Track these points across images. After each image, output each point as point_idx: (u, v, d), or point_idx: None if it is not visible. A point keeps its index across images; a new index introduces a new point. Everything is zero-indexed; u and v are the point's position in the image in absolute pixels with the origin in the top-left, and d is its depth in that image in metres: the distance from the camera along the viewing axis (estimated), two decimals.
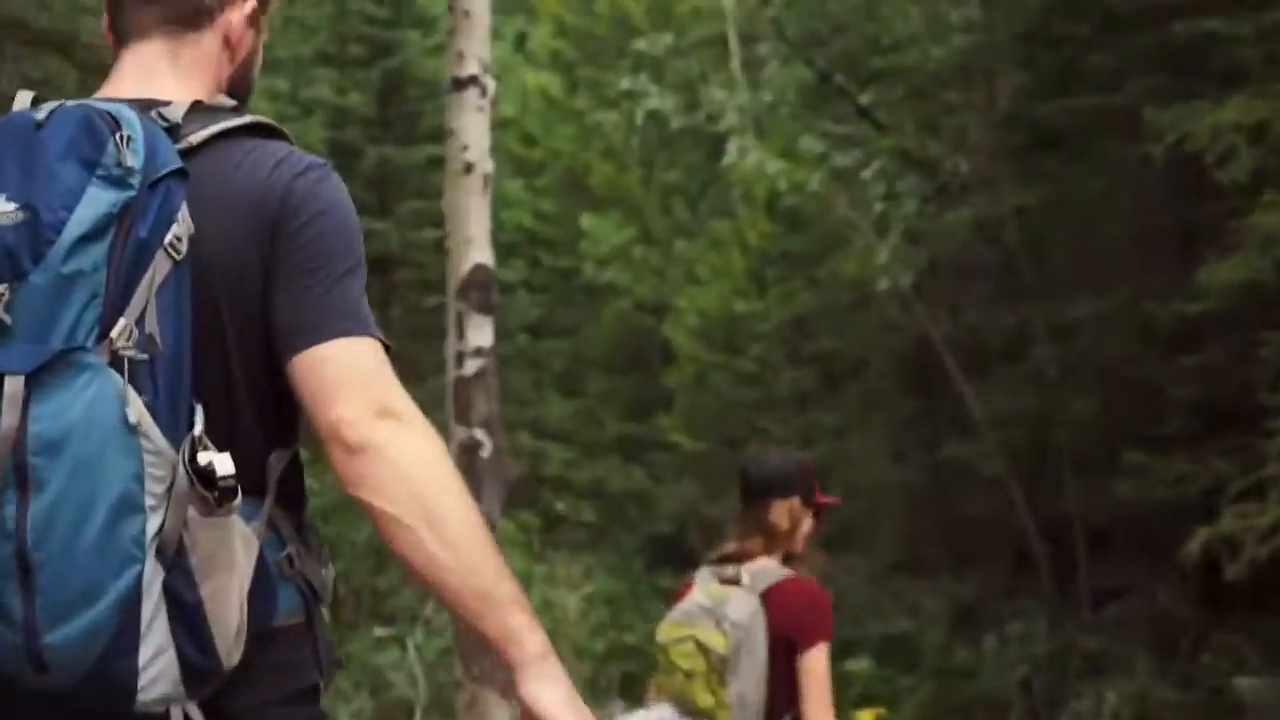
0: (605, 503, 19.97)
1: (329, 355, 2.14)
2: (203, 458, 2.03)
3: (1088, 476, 14.92)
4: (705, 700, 4.49)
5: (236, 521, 2.10)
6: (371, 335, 2.18)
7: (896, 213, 15.30)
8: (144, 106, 2.20)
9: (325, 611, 2.34)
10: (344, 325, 2.15)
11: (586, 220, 22.60)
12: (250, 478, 2.15)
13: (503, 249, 14.51)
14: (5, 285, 2.04)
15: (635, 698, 10.40)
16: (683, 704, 4.52)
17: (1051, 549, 15.26)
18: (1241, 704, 13.58)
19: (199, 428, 2.05)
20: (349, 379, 2.13)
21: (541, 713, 2.09)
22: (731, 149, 17.10)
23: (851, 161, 15.60)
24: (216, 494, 2.03)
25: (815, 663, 4.55)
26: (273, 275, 2.17)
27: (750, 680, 4.51)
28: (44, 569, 1.97)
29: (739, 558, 4.68)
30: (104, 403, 1.99)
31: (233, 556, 2.08)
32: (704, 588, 4.65)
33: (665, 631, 4.64)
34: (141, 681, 2.01)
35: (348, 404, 2.11)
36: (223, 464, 2.04)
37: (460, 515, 2.12)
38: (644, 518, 21.11)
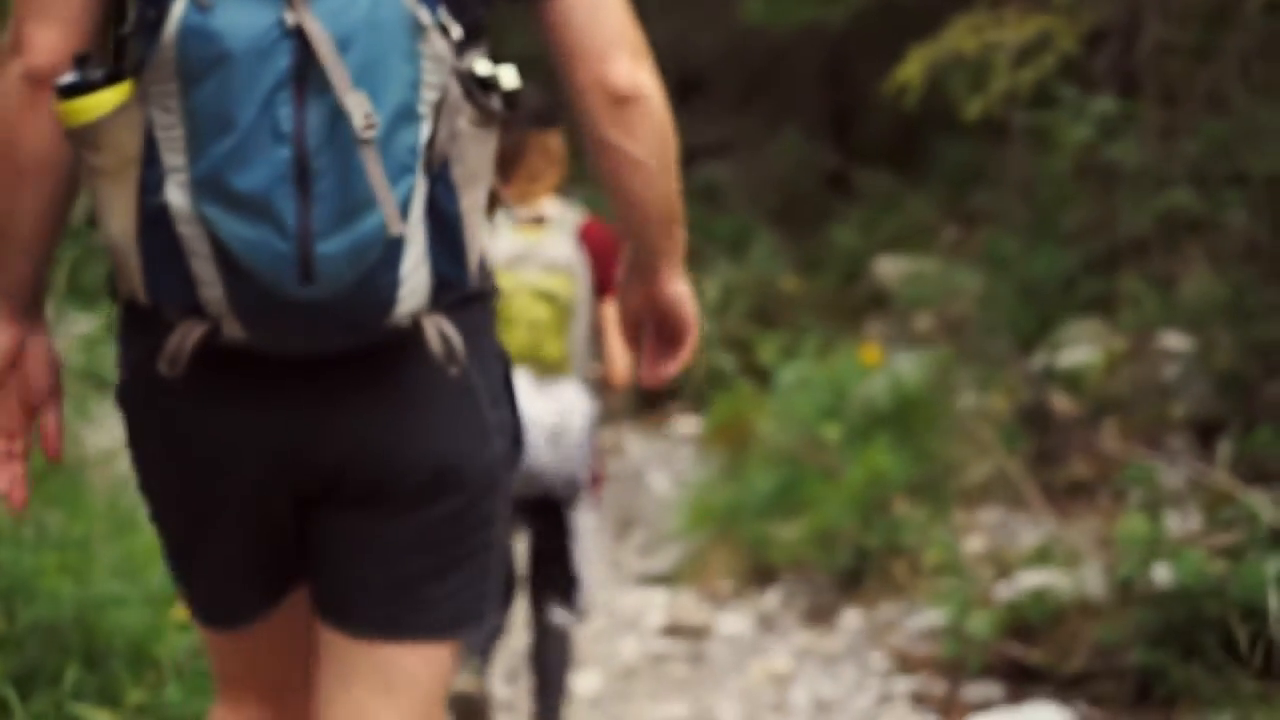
0: None
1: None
2: (480, 67, 2.07)
3: None
4: (554, 350, 4.51)
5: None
6: None
7: None
8: None
9: None
10: None
11: None
12: None
13: None
14: None
15: None
16: (530, 360, 4.47)
17: None
18: (883, 290, 11.03)
19: (459, 32, 2.04)
20: (623, 27, 2.15)
21: (682, 302, 2.34)
22: None
23: None
24: (496, 104, 2.08)
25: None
26: None
27: (582, 327, 4.57)
28: (323, 176, 1.96)
29: (529, 196, 4.55)
30: (389, 3, 1.98)
31: (489, 169, 2.15)
32: (506, 231, 4.53)
33: None
34: (400, 293, 2.05)
35: (622, 52, 2.14)
36: (508, 76, 2.10)
37: (674, 150, 2.25)
38: None
